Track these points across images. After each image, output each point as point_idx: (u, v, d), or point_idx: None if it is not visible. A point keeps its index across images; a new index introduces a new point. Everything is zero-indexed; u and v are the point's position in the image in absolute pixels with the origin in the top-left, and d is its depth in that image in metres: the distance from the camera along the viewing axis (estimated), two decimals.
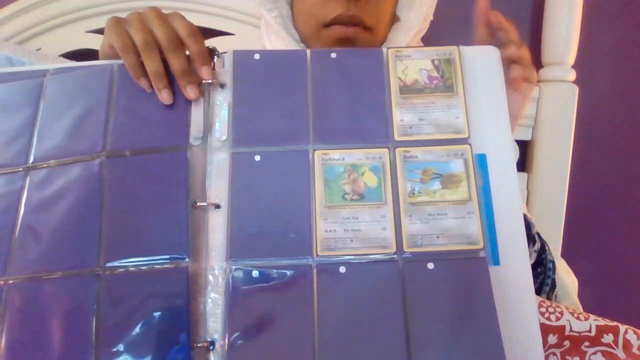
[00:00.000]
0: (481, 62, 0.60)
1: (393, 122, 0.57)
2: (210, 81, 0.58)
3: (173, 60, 0.58)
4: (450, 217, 0.53)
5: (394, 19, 0.86)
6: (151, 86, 0.58)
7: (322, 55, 0.60)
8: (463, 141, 0.56)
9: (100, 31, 1.17)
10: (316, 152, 0.56)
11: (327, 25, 0.77)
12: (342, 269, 0.52)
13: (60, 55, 1.15)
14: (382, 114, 0.57)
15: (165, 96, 0.58)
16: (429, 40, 0.98)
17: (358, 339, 0.50)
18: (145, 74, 0.58)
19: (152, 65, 0.57)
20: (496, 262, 0.53)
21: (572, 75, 1.13)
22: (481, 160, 0.56)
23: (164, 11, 0.60)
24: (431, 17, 0.88)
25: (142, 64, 0.58)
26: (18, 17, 1.14)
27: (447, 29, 0.97)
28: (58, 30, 1.17)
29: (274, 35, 0.85)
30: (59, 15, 1.16)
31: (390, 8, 0.83)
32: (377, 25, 0.79)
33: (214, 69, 0.59)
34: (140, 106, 0.58)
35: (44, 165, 0.57)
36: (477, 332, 0.50)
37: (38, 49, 1.15)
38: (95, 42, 1.16)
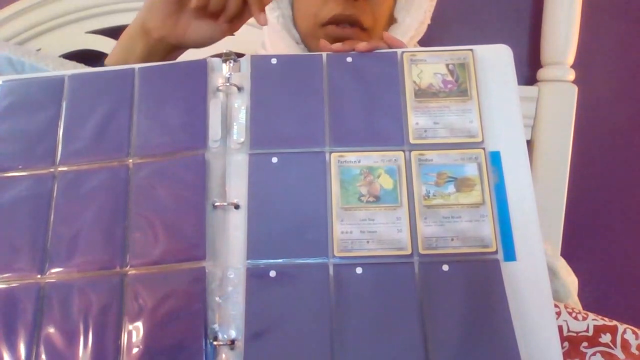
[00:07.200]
0: (494, 60, 0.61)
1: (408, 125, 0.58)
2: (228, 84, 0.59)
3: None
4: (465, 220, 0.54)
5: (392, 20, 0.86)
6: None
7: (338, 59, 0.60)
8: (477, 145, 0.57)
9: (100, 31, 1.16)
10: (332, 155, 0.56)
11: (325, 24, 0.77)
12: (359, 270, 0.52)
13: (60, 56, 1.14)
14: (397, 117, 0.58)
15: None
16: (425, 42, 0.98)
17: (375, 339, 0.50)
18: None
19: None
20: (512, 257, 0.53)
21: (572, 75, 1.14)
22: (495, 158, 0.57)
23: None
24: (428, 21, 0.88)
25: None
26: (18, 18, 1.14)
27: (444, 30, 0.97)
28: (58, 31, 1.16)
29: (275, 35, 0.85)
30: (59, 16, 1.15)
31: (388, 9, 0.83)
32: (374, 26, 0.79)
33: (231, 72, 0.60)
34: (161, 110, 0.59)
35: (72, 168, 0.58)
36: (491, 333, 0.50)
37: (38, 50, 1.15)
38: (95, 43, 1.16)
